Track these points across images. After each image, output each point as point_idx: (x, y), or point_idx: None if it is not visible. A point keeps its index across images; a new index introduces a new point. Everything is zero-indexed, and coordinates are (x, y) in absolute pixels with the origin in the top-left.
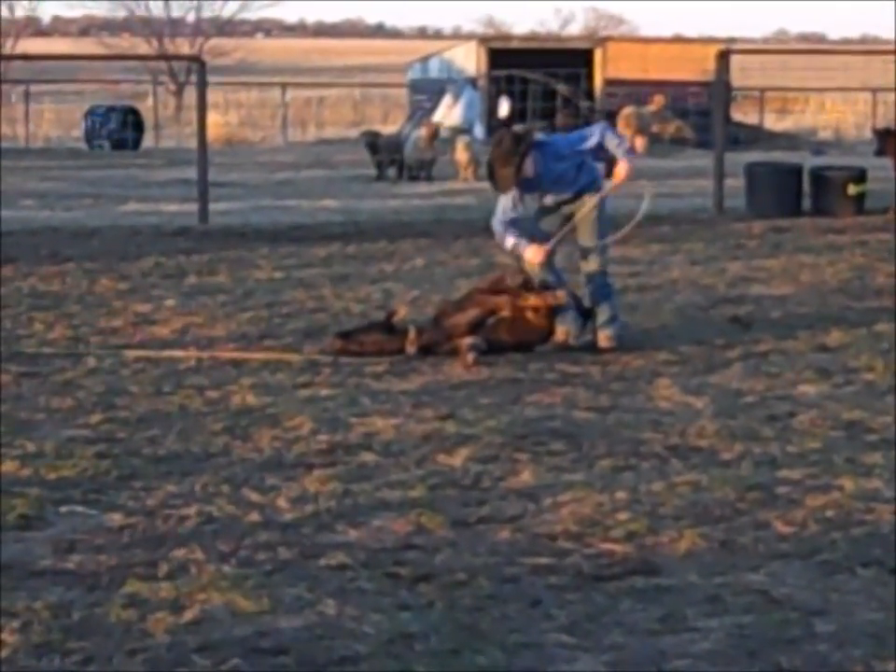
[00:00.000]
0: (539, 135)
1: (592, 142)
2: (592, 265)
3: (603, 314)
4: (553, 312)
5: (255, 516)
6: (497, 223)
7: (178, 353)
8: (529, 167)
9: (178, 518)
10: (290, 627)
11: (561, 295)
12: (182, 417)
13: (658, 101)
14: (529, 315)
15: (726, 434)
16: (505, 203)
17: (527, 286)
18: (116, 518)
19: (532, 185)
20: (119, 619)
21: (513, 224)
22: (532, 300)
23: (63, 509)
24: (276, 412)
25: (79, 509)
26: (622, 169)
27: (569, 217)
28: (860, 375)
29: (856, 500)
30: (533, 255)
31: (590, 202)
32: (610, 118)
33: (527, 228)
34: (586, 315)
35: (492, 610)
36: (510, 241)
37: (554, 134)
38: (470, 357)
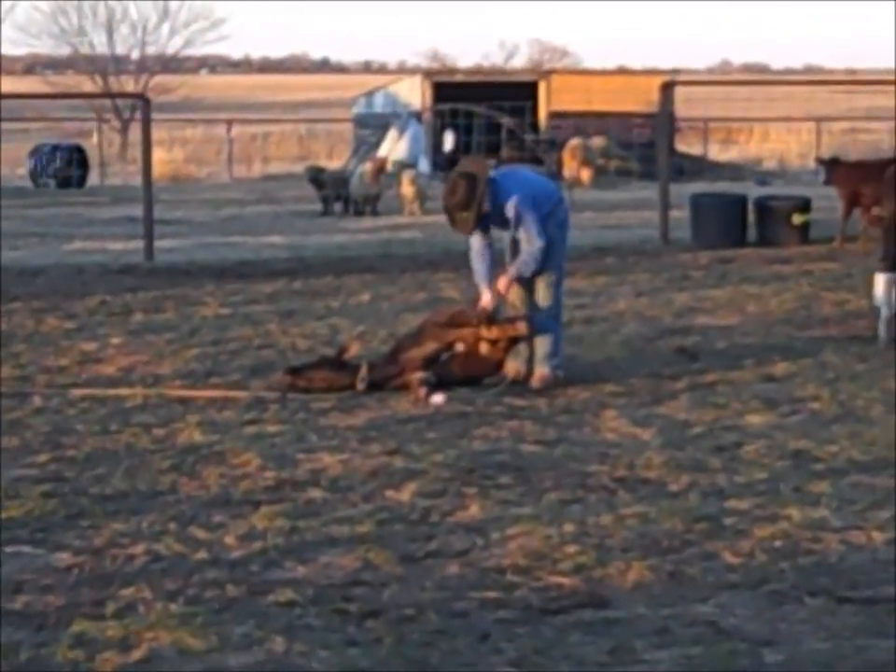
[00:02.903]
0: (491, 172)
1: (509, 213)
2: (542, 298)
3: (542, 346)
4: (510, 344)
5: (202, 554)
6: (472, 257)
7: (125, 391)
8: (485, 204)
9: (126, 557)
10: (239, 665)
11: (522, 326)
12: (129, 456)
13: (597, 142)
14: (484, 348)
15: (674, 465)
16: (473, 239)
17: (491, 319)
18: (63, 557)
19: (488, 220)
20: (66, 659)
21: (484, 258)
22: (495, 332)
23: (10, 549)
24: (223, 449)
25: (26, 549)
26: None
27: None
28: (806, 405)
29: (803, 530)
30: (486, 300)
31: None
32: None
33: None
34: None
35: (441, 645)
36: (476, 276)
37: (500, 171)
38: (423, 391)
